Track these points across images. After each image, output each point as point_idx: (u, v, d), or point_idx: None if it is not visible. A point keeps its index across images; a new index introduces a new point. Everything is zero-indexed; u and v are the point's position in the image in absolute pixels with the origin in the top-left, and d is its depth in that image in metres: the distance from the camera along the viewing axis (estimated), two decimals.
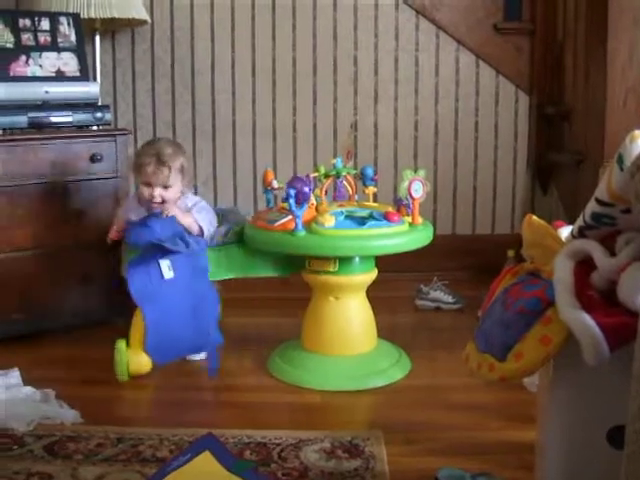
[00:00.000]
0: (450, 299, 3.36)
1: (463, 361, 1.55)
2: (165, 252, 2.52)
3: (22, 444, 2.09)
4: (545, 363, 1.35)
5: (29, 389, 2.39)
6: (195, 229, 2.62)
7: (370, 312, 2.66)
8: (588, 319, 1.21)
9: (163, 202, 2.60)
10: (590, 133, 3.25)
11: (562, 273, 1.30)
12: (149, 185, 2.60)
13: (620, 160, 1.22)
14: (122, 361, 2.54)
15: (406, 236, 2.50)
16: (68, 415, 2.25)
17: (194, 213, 2.66)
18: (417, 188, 2.54)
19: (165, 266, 2.53)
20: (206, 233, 2.65)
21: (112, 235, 2.77)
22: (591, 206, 1.35)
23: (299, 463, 1.98)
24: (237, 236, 2.71)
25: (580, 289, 1.28)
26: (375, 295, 2.69)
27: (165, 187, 2.60)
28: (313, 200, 2.56)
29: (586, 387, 1.38)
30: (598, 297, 1.28)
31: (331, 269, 2.54)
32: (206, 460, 1.92)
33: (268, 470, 1.95)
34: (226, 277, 2.72)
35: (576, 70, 3.50)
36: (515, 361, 1.34)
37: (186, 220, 2.61)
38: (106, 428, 2.18)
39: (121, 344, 2.55)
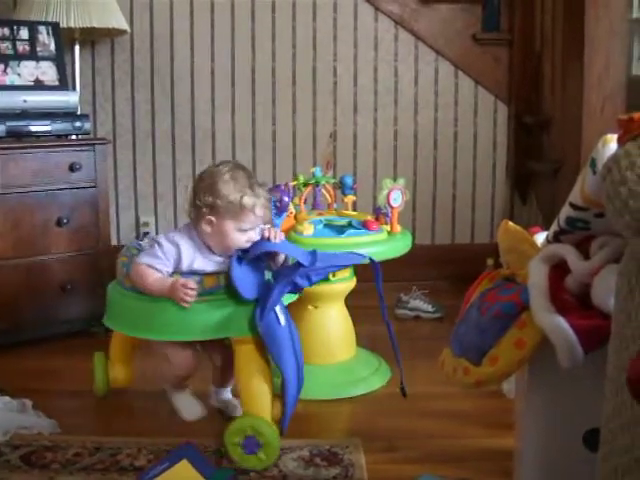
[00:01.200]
0: (430, 308, 3.37)
1: (439, 367, 1.56)
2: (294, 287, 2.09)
3: None
4: (520, 366, 1.36)
5: (6, 399, 2.37)
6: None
7: (349, 321, 2.67)
8: (562, 322, 1.22)
9: None
10: (568, 141, 3.28)
11: (537, 277, 1.31)
12: (245, 230, 2.11)
13: (593, 164, 1.23)
14: (100, 376, 2.48)
15: (385, 244, 2.50)
16: (45, 425, 2.23)
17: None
18: (396, 197, 2.55)
19: (279, 310, 2.06)
20: None
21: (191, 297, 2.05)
22: (565, 211, 1.36)
23: (278, 471, 1.98)
24: None
25: (554, 293, 1.29)
26: (354, 304, 2.70)
27: None
28: (292, 209, 2.56)
29: (561, 391, 1.39)
30: (572, 300, 1.29)
31: (348, 275, 2.57)
32: (184, 469, 1.92)
33: (247, 478, 1.94)
34: None
35: (554, 79, 3.53)
36: (490, 365, 1.35)
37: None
38: (84, 438, 2.17)
39: (99, 358, 2.50)
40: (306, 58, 3.89)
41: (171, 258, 2.11)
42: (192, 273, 2.11)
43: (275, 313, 2.03)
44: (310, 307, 2.58)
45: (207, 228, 2.11)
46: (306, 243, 2.42)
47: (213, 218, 2.09)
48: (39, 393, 2.46)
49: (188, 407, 2.34)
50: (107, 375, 2.49)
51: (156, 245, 2.14)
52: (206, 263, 2.13)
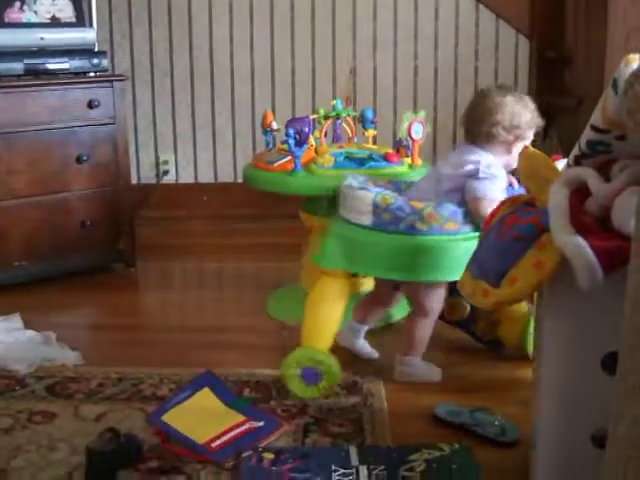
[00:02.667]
0: None
1: (458, 288, 1.56)
2: None
3: (24, 385, 2.11)
4: (539, 288, 1.36)
5: (30, 332, 2.41)
6: None
7: None
8: (582, 242, 1.21)
9: None
10: (590, 75, 3.23)
11: (557, 200, 1.30)
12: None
13: (615, 84, 1.21)
14: None
15: (405, 176, 2.48)
16: (69, 356, 2.27)
17: None
18: (417, 129, 2.52)
19: None
20: None
21: None
22: (586, 134, 1.34)
23: (298, 400, 2.00)
24: None
25: (575, 215, 1.28)
26: None
27: None
28: (312, 142, 2.55)
29: (580, 314, 1.38)
30: (593, 222, 1.28)
31: None
32: (205, 396, 1.95)
33: (267, 407, 1.97)
34: None
35: (577, 13, 3.46)
36: (509, 286, 1.35)
37: None
38: (107, 369, 2.20)
39: None
40: None
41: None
42: None
43: None
44: None
45: (504, 151, 2.12)
46: (326, 175, 2.41)
47: (507, 134, 2.11)
48: (62, 327, 2.49)
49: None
50: None
51: (495, 178, 2.07)
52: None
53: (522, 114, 2.12)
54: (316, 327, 2.11)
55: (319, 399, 2.00)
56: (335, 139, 2.74)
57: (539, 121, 2.18)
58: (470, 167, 2.06)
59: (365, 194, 2.09)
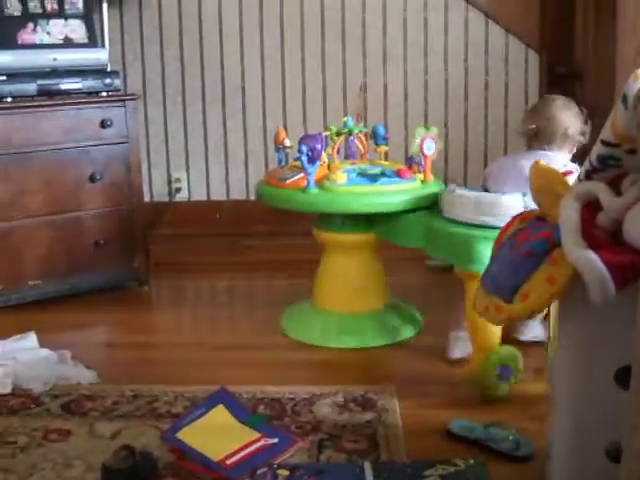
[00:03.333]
0: None
1: (472, 303, 1.57)
2: None
3: (39, 403, 2.12)
4: (551, 302, 1.36)
5: (45, 351, 2.42)
6: None
7: (381, 269, 2.67)
8: (594, 257, 1.21)
9: None
10: (601, 90, 3.23)
11: (569, 214, 1.31)
12: None
13: (624, 99, 1.22)
14: None
15: (418, 192, 2.49)
16: (84, 375, 2.28)
17: None
18: (429, 145, 2.52)
19: None
20: None
21: None
22: (597, 149, 1.35)
23: (312, 417, 2.01)
24: None
25: (586, 229, 1.28)
26: (385, 256, 2.70)
27: None
28: (325, 158, 2.56)
29: (593, 328, 1.39)
30: (604, 237, 1.28)
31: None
32: (220, 413, 1.95)
33: (281, 424, 1.97)
34: None
35: (587, 28, 3.47)
36: (522, 301, 1.35)
37: None
38: (122, 387, 2.21)
39: None
40: (335, 9, 3.86)
41: None
42: None
43: None
44: (343, 256, 2.59)
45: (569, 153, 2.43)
46: (339, 191, 2.43)
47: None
48: (77, 345, 2.51)
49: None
50: None
51: None
52: None
53: (580, 120, 2.41)
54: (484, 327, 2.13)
55: (339, 415, 2.01)
56: (348, 156, 2.75)
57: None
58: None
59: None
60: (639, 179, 1.29)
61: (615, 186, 1.35)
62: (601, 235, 1.29)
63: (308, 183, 2.44)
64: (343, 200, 2.42)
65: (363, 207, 2.45)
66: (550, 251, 1.33)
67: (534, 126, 2.39)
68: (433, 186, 2.54)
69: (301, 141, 2.45)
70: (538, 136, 2.39)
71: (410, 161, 2.61)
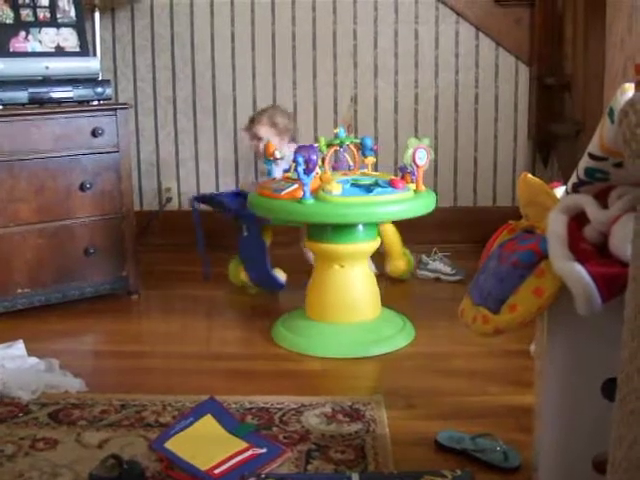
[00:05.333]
0: (450, 270, 3.38)
1: (458, 316, 1.57)
2: None
3: (27, 412, 2.12)
4: (538, 314, 1.37)
5: (33, 359, 2.42)
6: None
7: (374, 280, 2.69)
8: (580, 269, 1.23)
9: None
10: (589, 103, 3.25)
11: (556, 227, 1.32)
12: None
13: (611, 113, 1.23)
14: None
15: (413, 202, 2.52)
16: (72, 383, 2.28)
17: None
18: (421, 156, 2.56)
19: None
20: None
21: None
22: (584, 162, 1.36)
23: (300, 427, 2.01)
24: None
25: (573, 242, 1.29)
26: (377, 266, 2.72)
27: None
28: (317, 170, 2.57)
29: (580, 340, 1.40)
30: (591, 249, 1.30)
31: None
32: (208, 423, 1.95)
33: (270, 433, 1.97)
34: None
35: (575, 41, 3.49)
36: (509, 312, 1.36)
37: None
38: (110, 396, 2.21)
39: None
40: (326, 22, 3.88)
41: None
42: None
43: None
44: (336, 266, 2.60)
45: None
46: (335, 202, 2.44)
47: None
48: (65, 354, 2.50)
49: None
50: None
51: None
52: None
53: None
54: None
55: (327, 426, 2.01)
56: (336, 168, 2.76)
57: None
58: None
59: None
60: (626, 192, 1.31)
61: (602, 199, 1.36)
62: (588, 247, 1.30)
63: (304, 194, 2.44)
64: (340, 211, 2.43)
65: (360, 217, 2.47)
66: (537, 263, 1.35)
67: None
68: (425, 196, 2.56)
69: (297, 152, 2.46)
70: None
71: (403, 171, 2.63)
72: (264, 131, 3.34)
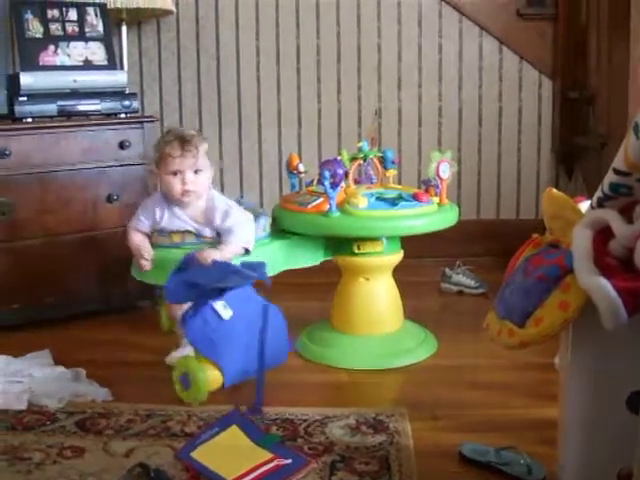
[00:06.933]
0: (473, 283, 3.38)
1: (484, 329, 1.58)
2: (219, 293, 2.28)
3: (54, 420, 2.14)
4: (564, 328, 1.38)
5: (60, 368, 2.45)
6: (240, 252, 2.47)
7: (397, 292, 2.70)
8: (606, 283, 1.23)
9: (193, 192, 2.48)
10: (613, 116, 3.26)
11: (581, 241, 1.33)
12: (175, 173, 2.47)
13: (637, 129, 1.24)
14: (164, 316, 2.65)
15: (437, 215, 2.55)
16: (99, 393, 2.30)
17: (231, 231, 2.46)
18: (444, 169, 2.58)
19: (221, 307, 2.27)
20: (251, 249, 2.49)
21: (146, 266, 2.49)
22: (609, 177, 1.37)
23: (325, 438, 2.02)
24: (276, 228, 2.67)
25: (598, 257, 1.30)
26: (401, 279, 2.72)
27: (195, 172, 2.48)
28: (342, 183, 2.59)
29: (605, 353, 1.40)
30: (616, 264, 1.30)
31: (379, 249, 2.59)
32: (234, 433, 1.97)
33: (294, 445, 1.98)
34: (273, 273, 2.54)
35: (599, 54, 3.50)
36: (534, 326, 1.37)
37: (228, 254, 2.41)
38: (136, 405, 2.23)
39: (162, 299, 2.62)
40: (350, 36, 3.91)
41: (150, 219, 2.55)
42: (162, 230, 2.54)
43: (214, 310, 2.25)
44: (361, 279, 2.62)
45: (157, 182, 2.58)
46: (361, 215, 2.46)
47: (155, 170, 2.55)
48: (91, 363, 2.53)
49: None
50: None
51: (139, 209, 2.59)
52: (172, 220, 2.53)
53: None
54: None
55: (352, 437, 2.02)
56: (360, 180, 2.77)
57: None
58: None
59: None
60: None
61: (627, 214, 1.37)
62: (613, 262, 1.31)
63: (330, 207, 2.46)
64: (366, 224, 2.46)
65: (386, 230, 2.50)
66: (562, 277, 1.35)
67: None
68: (449, 209, 2.58)
69: (323, 166, 2.47)
70: None
71: (427, 184, 2.65)
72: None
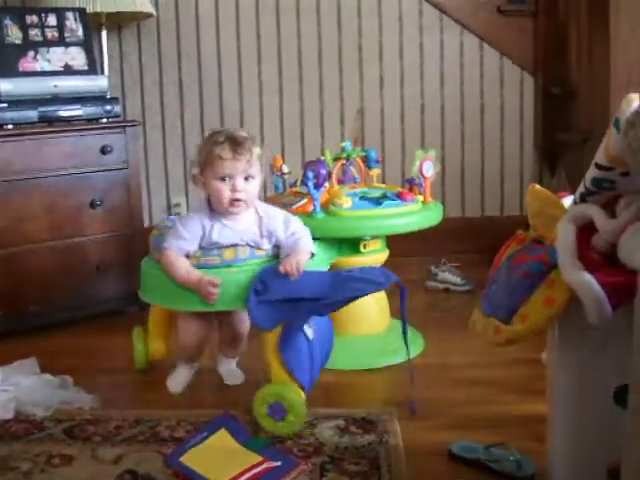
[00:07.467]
0: (459, 281, 3.39)
1: (470, 327, 1.58)
2: (331, 308, 2.12)
3: (42, 428, 2.13)
4: (549, 324, 1.38)
5: (47, 376, 2.43)
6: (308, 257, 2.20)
7: (383, 292, 2.69)
8: (590, 279, 1.24)
9: (245, 201, 2.17)
10: (595, 111, 3.27)
11: (564, 237, 1.33)
12: (224, 179, 2.14)
13: (617, 123, 1.24)
14: (140, 350, 2.53)
15: (420, 214, 2.55)
16: (86, 400, 2.29)
17: (300, 237, 2.21)
18: (428, 167, 2.58)
19: (307, 328, 2.12)
20: (315, 252, 2.27)
21: (215, 295, 2.10)
22: (591, 172, 1.37)
23: (314, 439, 2.02)
24: None
25: (582, 252, 1.31)
26: None
27: (246, 178, 2.17)
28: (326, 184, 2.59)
29: (590, 348, 1.41)
30: (599, 259, 1.31)
31: (380, 247, 2.60)
32: (222, 437, 1.97)
33: (284, 446, 1.98)
34: None
35: (580, 49, 3.51)
36: (520, 322, 1.37)
37: (303, 259, 2.14)
38: (123, 411, 2.22)
39: (138, 332, 2.56)
40: (331, 35, 3.91)
41: (197, 235, 2.17)
42: (210, 247, 2.17)
43: (303, 333, 2.09)
44: None
45: (202, 189, 2.21)
46: (346, 215, 2.46)
47: (200, 176, 2.19)
48: (78, 370, 2.51)
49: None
50: (147, 349, 2.53)
51: (179, 226, 2.18)
52: (223, 233, 2.17)
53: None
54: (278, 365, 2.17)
55: (341, 438, 2.02)
56: (344, 180, 2.77)
57: None
58: None
59: None
60: (633, 201, 1.32)
61: (610, 208, 1.37)
62: (596, 257, 1.31)
63: (314, 208, 2.46)
64: (350, 224, 2.45)
65: (371, 230, 2.49)
66: (547, 273, 1.36)
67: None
68: (433, 207, 2.58)
69: (307, 166, 2.46)
70: None
71: (411, 183, 2.65)
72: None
